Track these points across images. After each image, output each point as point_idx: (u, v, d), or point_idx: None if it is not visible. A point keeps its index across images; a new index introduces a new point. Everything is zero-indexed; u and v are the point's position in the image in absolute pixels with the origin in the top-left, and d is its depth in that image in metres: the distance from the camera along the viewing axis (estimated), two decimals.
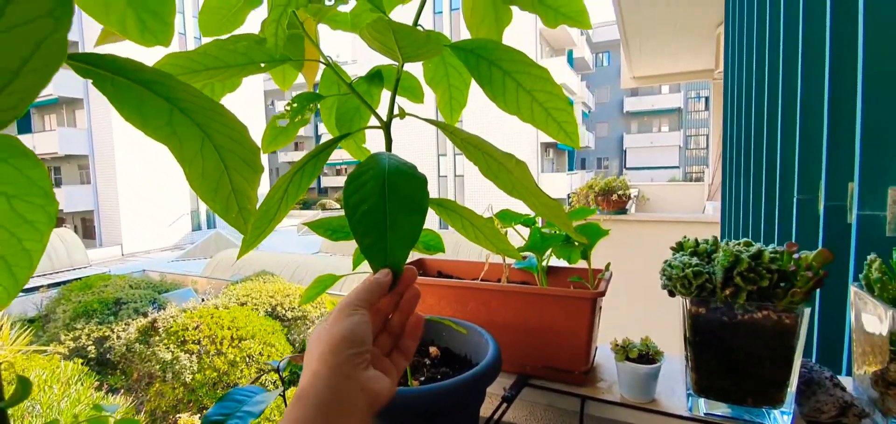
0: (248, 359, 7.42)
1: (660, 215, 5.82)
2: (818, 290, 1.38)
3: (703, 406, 0.83)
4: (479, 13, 0.77)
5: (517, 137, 22.45)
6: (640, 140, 39.14)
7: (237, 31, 0.78)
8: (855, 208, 1.19)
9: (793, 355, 0.75)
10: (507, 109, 0.76)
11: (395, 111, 0.77)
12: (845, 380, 0.88)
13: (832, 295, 1.33)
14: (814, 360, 0.92)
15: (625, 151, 39.28)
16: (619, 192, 4.06)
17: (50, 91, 22.46)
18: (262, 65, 0.75)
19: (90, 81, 0.40)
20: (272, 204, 0.68)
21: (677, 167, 37.96)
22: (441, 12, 24.48)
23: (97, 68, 0.38)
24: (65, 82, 22.02)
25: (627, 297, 3.71)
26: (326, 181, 43.83)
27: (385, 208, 0.49)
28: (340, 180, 42.75)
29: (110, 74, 0.39)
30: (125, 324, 9.36)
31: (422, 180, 0.53)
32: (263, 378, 5.72)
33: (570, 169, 29.55)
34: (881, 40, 1.11)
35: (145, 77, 0.41)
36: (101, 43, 0.68)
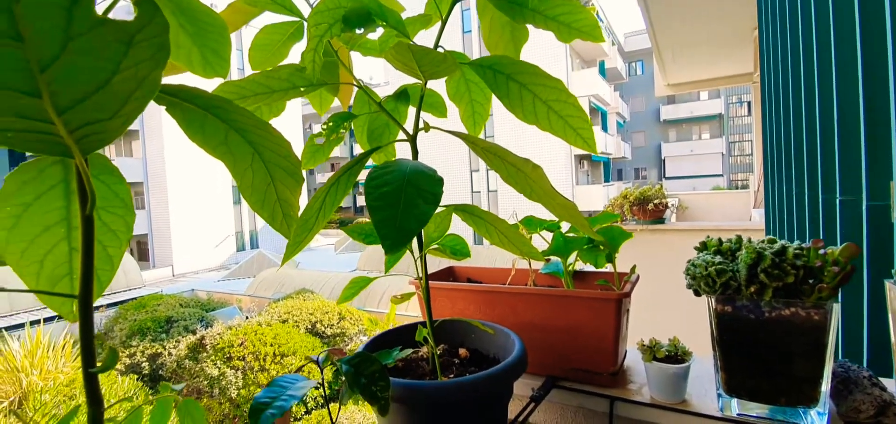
0: None
1: (701, 224, 5.62)
2: (864, 292, 1.33)
3: (735, 407, 0.82)
4: (496, 33, 0.82)
5: (550, 149, 22.29)
6: (679, 149, 37.89)
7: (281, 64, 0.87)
8: None
9: (824, 351, 0.74)
10: (526, 120, 0.80)
11: (420, 125, 0.83)
12: (887, 382, 0.85)
13: (876, 296, 1.28)
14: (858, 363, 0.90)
15: (663, 161, 38.10)
16: (656, 201, 3.96)
17: None
18: (302, 89, 0.83)
19: (163, 107, 0.48)
20: (311, 214, 0.75)
21: (721, 175, 36.42)
22: (470, 32, 24.81)
23: (172, 97, 0.46)
24: None
25: (666, 309, 3.60)
26: (361, 201, 44.81)
27: (403, 192, 0.54)
28: None
29: (180, 101, 0.47)
30: (176, 341, 9.84)
31: (438, 179, 0.58)
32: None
33: (607, 180, 28.94)
34: None
35: (208, 103, 0.48)
36: (165, 75, 0.78)
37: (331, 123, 0.87)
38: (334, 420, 0.63)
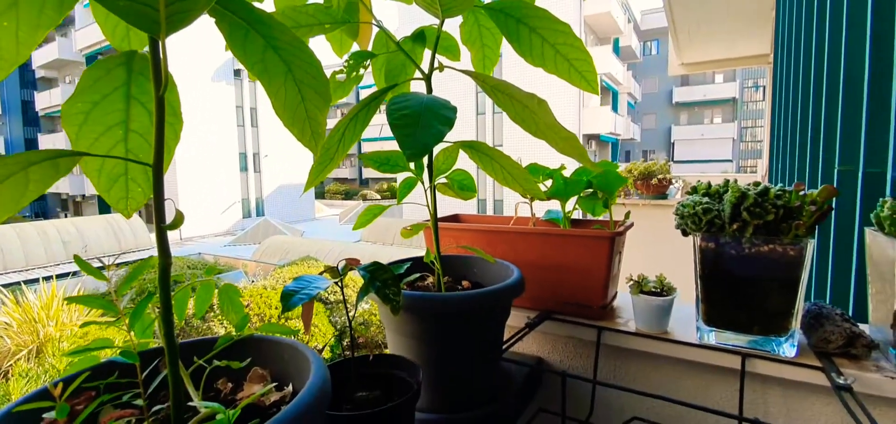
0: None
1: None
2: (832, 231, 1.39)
3: (712, 338, 0.90)
4: None
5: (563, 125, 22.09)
6: (689, 132, 37.43)
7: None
8: (889, 171, 1.21)
9: (797, 286, 0.81)
10: (534, 62, 0.86)
11: (435, 65, 0.89)
12: (863, 327, 0.92)
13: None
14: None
15: (673, 144, 37.70)
16: (660, 176, 4.01)
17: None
18: (327, 26, 0.89)
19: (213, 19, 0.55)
20: (332, 144, 0.82)
21: (730, 161, 36.05)
22: None
23: (222, 8, 0.52)
24: None
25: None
26: (367, 173, 44.89)
27: (421, 114, 0.61)
28: (381, 172, 43.58)
29: (229, 13, 0.53)
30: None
31: (451, 106, 0.65)
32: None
33: (614, 160, 28.74)
34: None
35: (251, 17, 0.55)
36: None
37: (352, 61, 0.93)
38: (351, 315, 0.72)
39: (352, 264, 0.74)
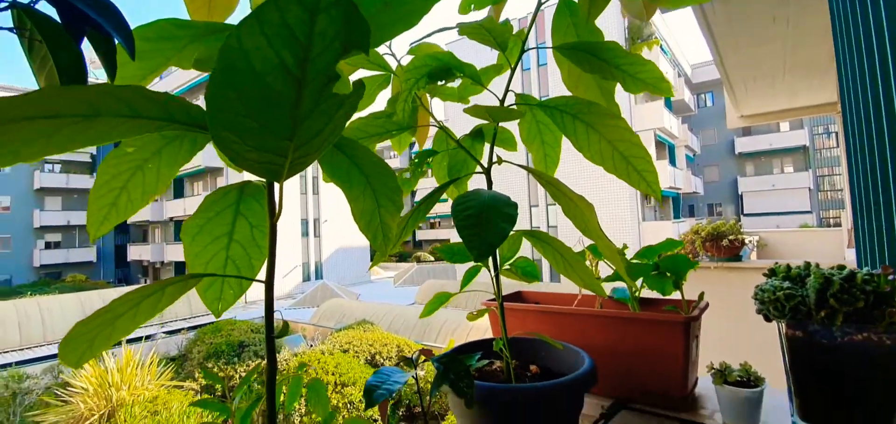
0: (348, 406, 7.80)
1: (784, 262, 5.19)
2: None
3: None
4: (574, 78, 0.92)
5: (617, 183, 21.69)
6: (758, 183, 35.20)
7: (370, 109, 1.02)
8: None
9: None
10: (592, 159, 0.89)
11: (494, 159, 0.94)
12: None
13: None
14: None
15: (741, 196, 35.54)
16: (730, 236, 3.76)
17: (198, 162, 26.92)
18: (393, 132, 0.98)
19: None
20: (397, 230, 0.88)
21: (809, 212, 33.27)
22: (545, 64, 25.20)
23: None
24: (209, 153, 26.33)
25: (742, 348, 3.38)
26: (421, 235, 45.70)
27: (483, 212, 0.65)
28: (434, 233, 44.36)
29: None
30: (246, 365, 10.45)
31: (512, 203, 0.69)
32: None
33: (676, 217, 27.47)
34: None
35: (341, 142, 0.62)
36: None
37: (416, 160, 1.01)
38: (426, 410, 0.74)
39: (426, 355, 0.76)
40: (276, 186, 0.53)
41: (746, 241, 4.38)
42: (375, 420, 6.76)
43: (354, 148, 0.64)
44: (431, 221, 44.41)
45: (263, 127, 0.36)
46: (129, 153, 0.55)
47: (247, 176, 0.68)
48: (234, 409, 0.56)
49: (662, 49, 25.16)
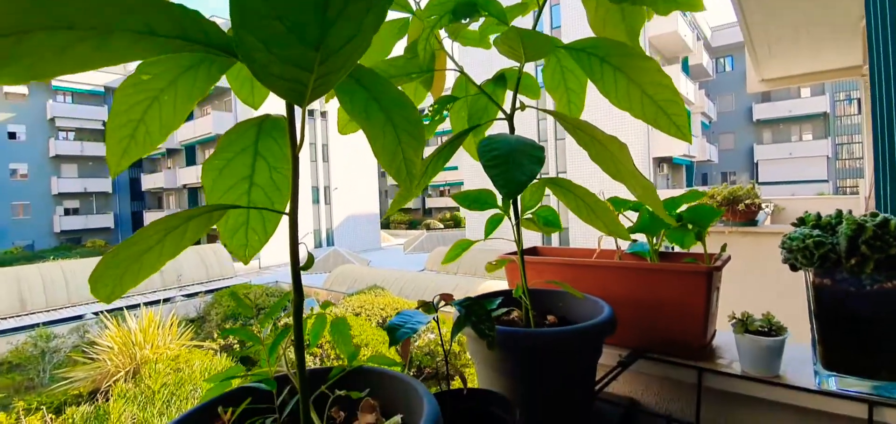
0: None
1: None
2: None
3: (833, 383, 0.82)
4: (600, 16, 0.88)
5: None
6: (775, 151, 34.40)
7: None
8: None
9: None
10: (619, 105, 0.85)
11: (516, 106, 0.92)
12: None
13: None
14: None
15: (756, 164, 34.82)
16: (747, 201, 3.70)
17: (208, 130, 27.02)
18: (414, 75, 0.95)
19: None
20: (422, 166, 0.86)
21: (826, 181, 32.57)
22: (559, 27, 24.51)
23: None
24: (219, 120, 26.37)
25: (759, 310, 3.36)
26: (430, 203, 45.77)
27: (510, 154, 0.63)
28: (443, 202, 44.39)
29: None
30: (261, 327, 10.75)
31: (540, 146, 0.67)
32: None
33: (689, 185, 27.10)
34: None
35: (357, 73, 0.60)
36: None
37: (436, 106, 0.98)
38: (447, 349, 0.74)
39: (446, 299, 0.76)
40: (298, 114, 0.52)
41: (762, 206, 4.30)
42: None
43: (374, 79, 0.62)
44: (441, 189, 44.33)
45: (291, 32, 0.34)
46: (144, 81, 0.53)
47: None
48: (263, 338, 0.56)
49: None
